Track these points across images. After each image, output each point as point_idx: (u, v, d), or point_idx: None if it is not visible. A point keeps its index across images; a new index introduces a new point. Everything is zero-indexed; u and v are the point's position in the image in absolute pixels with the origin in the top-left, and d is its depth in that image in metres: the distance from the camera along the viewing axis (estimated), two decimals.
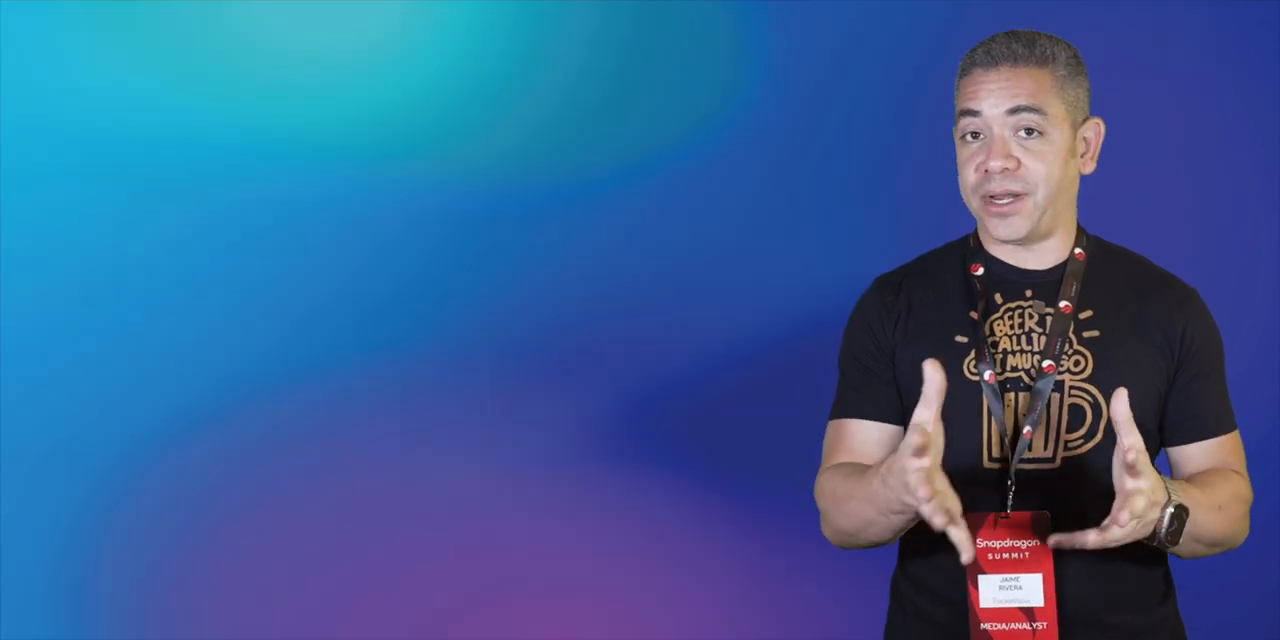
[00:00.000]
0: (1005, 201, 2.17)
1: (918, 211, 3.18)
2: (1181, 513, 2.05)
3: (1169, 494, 2.04)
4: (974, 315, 2.21)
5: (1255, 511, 2.32)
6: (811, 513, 2.34)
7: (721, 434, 3.22)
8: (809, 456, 2.43)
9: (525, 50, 3.15)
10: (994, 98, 2.16)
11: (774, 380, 3.21)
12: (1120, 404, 1.97)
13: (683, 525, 3.22)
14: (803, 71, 3.26)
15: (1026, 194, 2.17)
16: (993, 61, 2.18)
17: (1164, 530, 2.04)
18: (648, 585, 3.21)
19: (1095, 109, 2.28)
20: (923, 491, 1.91)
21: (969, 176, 2.19)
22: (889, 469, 1.98)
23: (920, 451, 1.90)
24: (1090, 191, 2.36)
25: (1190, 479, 2.20)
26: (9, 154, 2.94)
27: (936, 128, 2.39)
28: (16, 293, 2.96)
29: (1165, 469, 2.32)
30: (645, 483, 3.21)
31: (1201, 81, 3.38)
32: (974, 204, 2.21)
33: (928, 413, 1.92)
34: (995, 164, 2.15)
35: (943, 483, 1.93)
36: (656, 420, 3.20)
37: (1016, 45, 2.18)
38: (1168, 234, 3.14)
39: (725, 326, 3.23)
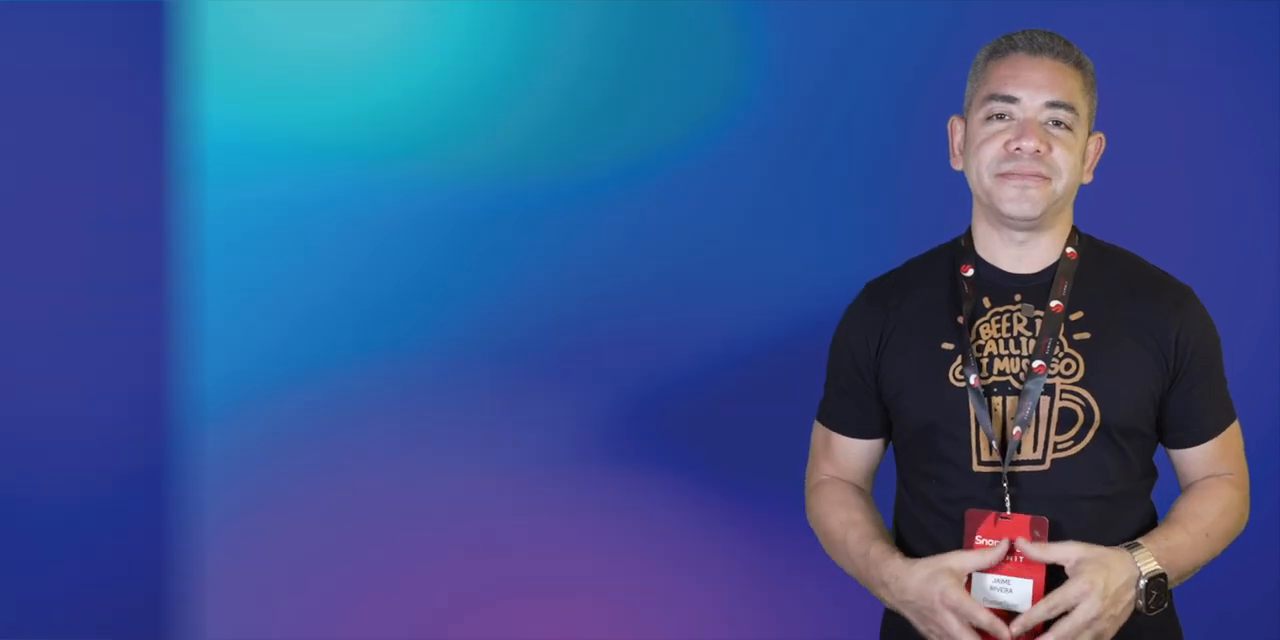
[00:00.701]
0: (1029, 174, 2.17)
1: (918, 211, 3.18)
2: (1158, 580, 2.10)
3: (1137, 568, 2.09)
4: (960, 320, 2.20)
5: (1255, 512, 2.32)
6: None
7: (721, 434, 3.22)
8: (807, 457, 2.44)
9: (525, 50, 3.15)
10: (1033, 87, 2.17)
11: (774, 380, 3.21)
12: (1029, 549, 2.10)
13: (683, 525, 3.22)
14: (803, 71, 3.26)
15: (1050, 179, 2.17)
16: (1037, 50, 2.19)
17: (1145, 604, 2.09)
18: (648, 585, 3.21)
19: (1103, 108, 2.29)
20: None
21: (991, 152, 2.18)
22: (904, 587, 2.13)
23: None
24: (1089, 191, 2.36)
25: (1174, 510, 2.22)
26: (8, 154, 2.94)
27: (936, 128, 2.39)
28: (16, 292, 2.96)
29: (1168, 468, 2.33)
30: (645, 483, 3.21)
31: (1201, 81, 3.38)
32: (986, 182, 2.19)
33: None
34: (1029, 144, 2.15)
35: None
36: (656, 420, 3.20)
37: (1058, 42, 2.21)
38: (1167, 234, 3.14)
39: (725, 326, 3.22)
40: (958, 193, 2.29)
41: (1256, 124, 3.41)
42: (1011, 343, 2.20)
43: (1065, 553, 2.08)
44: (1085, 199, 2.32)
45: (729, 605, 3.25)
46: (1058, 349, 2.18)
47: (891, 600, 2.16)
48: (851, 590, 2.32)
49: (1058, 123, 2.18)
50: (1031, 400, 2.15)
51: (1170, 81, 3.36)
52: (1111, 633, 2.09)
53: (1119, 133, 2.44)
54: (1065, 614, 2.07)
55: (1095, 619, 2.06)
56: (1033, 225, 2.21)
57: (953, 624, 2.08)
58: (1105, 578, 2.06)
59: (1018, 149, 2.16)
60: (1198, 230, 3.36)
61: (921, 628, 2.13)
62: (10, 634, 2.97)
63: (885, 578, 2.15)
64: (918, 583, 2.11)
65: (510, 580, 3.16)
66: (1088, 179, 2.26)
